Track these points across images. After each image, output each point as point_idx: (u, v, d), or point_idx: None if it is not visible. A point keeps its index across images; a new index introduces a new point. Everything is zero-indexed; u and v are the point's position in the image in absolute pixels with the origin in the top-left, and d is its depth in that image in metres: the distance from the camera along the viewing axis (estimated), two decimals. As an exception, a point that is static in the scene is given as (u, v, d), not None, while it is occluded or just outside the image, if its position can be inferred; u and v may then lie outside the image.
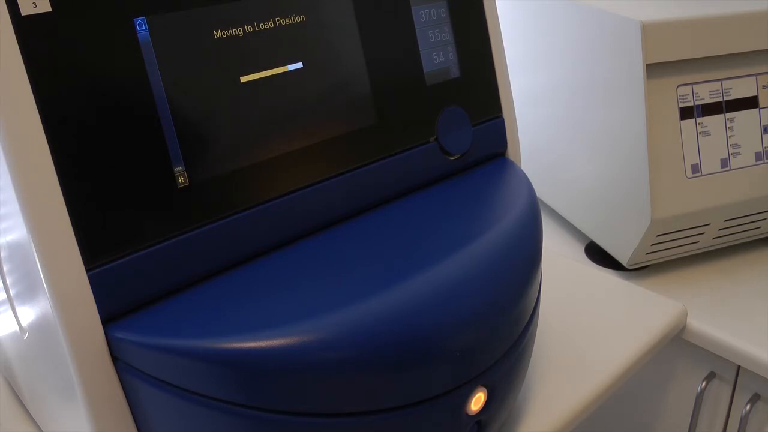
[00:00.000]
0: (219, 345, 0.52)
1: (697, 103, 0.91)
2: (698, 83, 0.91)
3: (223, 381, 0.53)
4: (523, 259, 0.64)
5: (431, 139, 0.72)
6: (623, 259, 0.98)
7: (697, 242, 0.97)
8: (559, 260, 1.01)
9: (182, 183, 0.57)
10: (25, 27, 0.50)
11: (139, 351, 0.54)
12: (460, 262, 0.60)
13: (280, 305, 0.56)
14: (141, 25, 0.55)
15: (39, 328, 0.58)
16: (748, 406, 0.91)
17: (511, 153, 0.80)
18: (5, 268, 0.61)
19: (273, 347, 0.52)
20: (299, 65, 0.63)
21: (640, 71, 0.86)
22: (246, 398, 0.53)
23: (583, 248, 1.07)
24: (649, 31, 0.85)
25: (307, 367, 0.52)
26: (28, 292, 0.57)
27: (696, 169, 0.91)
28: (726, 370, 0.94)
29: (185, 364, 0.53)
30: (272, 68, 0.62)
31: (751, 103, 0.93)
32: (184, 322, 0.55)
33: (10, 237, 0.55)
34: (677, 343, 0.93)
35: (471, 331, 0.57)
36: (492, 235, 0.64)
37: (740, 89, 0.92)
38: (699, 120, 0.91)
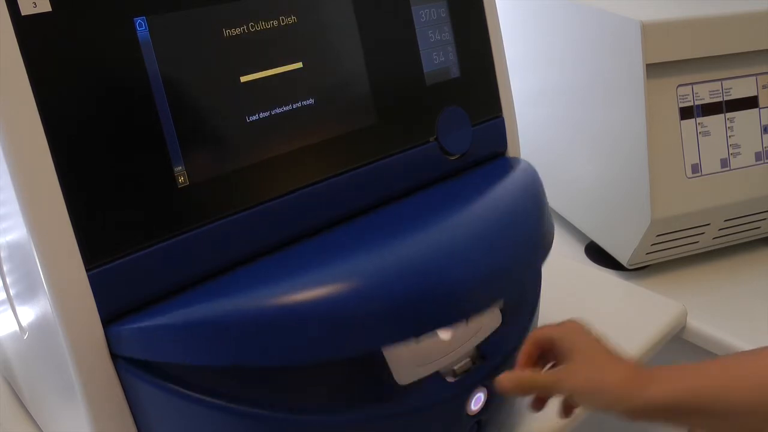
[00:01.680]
0: (223, 307, 0.52)
1: (697, 103, 0.91)
2: (698, 83, 0.91)
3: (225, 342, 0.53)
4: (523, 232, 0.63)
5: (431, 139, 0.72)
6: (623, 259, 0.98)
7: (697, 242, 0.97)
8: (559, 260, 1.01)
9: (182, 183, 0.57)
10: (25, 27, 0.50)
11: (138, 335, 0.54)
12: (458, 231, 0.60)
13: (275, 281, 0.56)
14: (141, 25, 0.55)
15: (39, 328, 0.58)
16: (748, 406, 0.91)
17: (511, 153, 0.80)
18: (5, 268, 0.61)
19: (277, 304, 0.52)
20: (299, 65, 0.63)
21: (640, 71, 0.86)
22: (243, 356, 0.53)
23: (583, 248, 1.07)
24: (649, 31, 0.85)
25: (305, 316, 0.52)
26: (28, 292, 0.57)
27: (696, 169, 0.91)
28: (726, 370, 0.93)
29: (186, 336, 0.53)
30: (272, 68, 0.62)
31: (751, 103, 0.93)
32: (182, 305, 0.55)
33: (10, 237, 0.55)
34: (677, 343, 0.93)
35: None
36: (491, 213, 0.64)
37: (740, 89, 0.92)
38: (699, 120, 0.91)
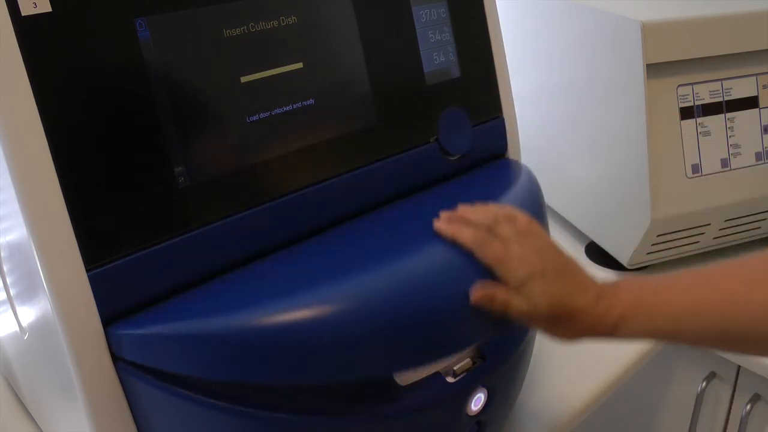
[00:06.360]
0: (224, 323, 0.53)
1: (697, 103, 0.91)
2: (698, 83, 0.91)
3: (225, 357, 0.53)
4: None
5: (431, 140, 0.72)
6: (623, 259, 0.98)
7: (698, 242, 0.97)
8: (559, 260, 1.00)
9: (182, 183, 0.57)
10: (25, 27, 0.50)
11: (139, 341, 0.54)
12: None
13: (281, 294, 0.56)
14: (141, 25, 0.55)
15: (39, 328, 0.58)
16: (748, 406, 0.91)
17: (511, 153, 0.80)
18: (5, 268, 0.61)
19: (277, 321, 0.52)
20: (299, 65, 0.63)
21: (640, 71, 0.86)
22: (237, 372, 0.53)
23: (583, 248, 1.07)
24: (649, 31, 0.85)
25: (309, 340, 0.52)
26: (28, 292, 0.57)
27: (696, 169, 0.91)
28: (726, 370, 0.94)
29: (184, 347, 0.53)
30: (272, 68, 0.62)
31: (751, 103, 0.93)
32: (184, 314, 0.55)
33: (10, 237, 0.55)
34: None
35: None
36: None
37: (740, 89, 0.92)
38: (699, 120, 0.91)
